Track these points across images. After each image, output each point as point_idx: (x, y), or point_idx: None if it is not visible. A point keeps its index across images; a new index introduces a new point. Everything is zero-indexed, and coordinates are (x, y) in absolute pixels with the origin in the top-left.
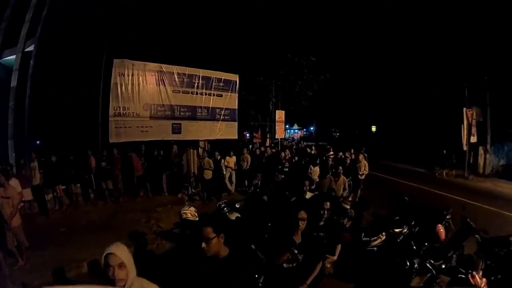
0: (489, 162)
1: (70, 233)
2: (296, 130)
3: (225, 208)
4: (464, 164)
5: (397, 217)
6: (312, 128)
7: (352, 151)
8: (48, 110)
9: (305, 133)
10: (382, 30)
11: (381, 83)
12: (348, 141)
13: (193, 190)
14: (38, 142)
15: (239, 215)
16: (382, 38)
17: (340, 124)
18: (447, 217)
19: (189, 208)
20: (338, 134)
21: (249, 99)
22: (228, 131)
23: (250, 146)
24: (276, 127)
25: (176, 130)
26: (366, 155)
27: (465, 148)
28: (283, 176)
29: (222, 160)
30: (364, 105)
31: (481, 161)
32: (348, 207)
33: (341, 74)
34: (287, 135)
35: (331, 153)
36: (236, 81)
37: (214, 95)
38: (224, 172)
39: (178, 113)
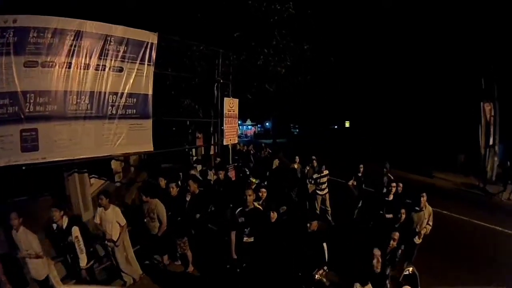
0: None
1: None
2: (249, 126)
3: None
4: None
5: None
6: (267, 124)
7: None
8: None
9: (259, 129)
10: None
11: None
12: (315, 139)
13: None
14: None
15: None
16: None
17: (301, 118)
18: None
19: None
20: (297, 131)
21: (179, 78)
22: (134, 137)
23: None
24: (225, 125)
25: (29, 144)
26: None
27: (482, 151)
28: None
29: (74, 229)
30: (341, 93)
31: (489, 165)
32: None
33: (324, 47)
34: (238, 132)
35: (325, 173)
36: (152, 45)
37: (106, 68)
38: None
39: (31, 108)
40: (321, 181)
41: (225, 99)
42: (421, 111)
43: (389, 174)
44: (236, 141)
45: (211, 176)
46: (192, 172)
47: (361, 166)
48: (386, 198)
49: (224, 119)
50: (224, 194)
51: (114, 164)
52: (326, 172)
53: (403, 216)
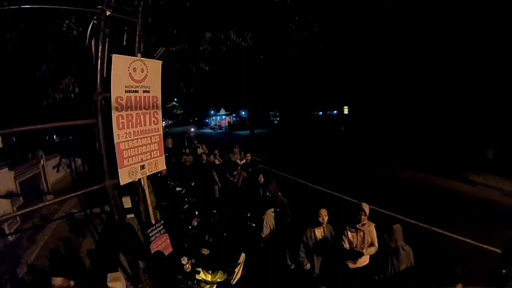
0: None
1: None
2: (223, 116)
3: None
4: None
5: None
6: (243, 113)
7: None
8: None
9: (234, 119)
10: None
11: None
12: (309, 130)
13: None
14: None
15: None
16: None
17: (283, 103)
18: None
19: None
20: (278, 119)
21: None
22: None
23: None
24: (116, 133)
25: None
26: None
27: None
28: None
29: None
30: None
31: None
32: None
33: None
34: (212, 123)
35: None
36: None
37: None
38: None
39: None
40: None
41: (115, 58)
42: (435, 95)
43: None
44: (163, 169)
45: None
46: None
47: None
48: None
49: (113, 114)
50: None
51: None
52: None
53: None
